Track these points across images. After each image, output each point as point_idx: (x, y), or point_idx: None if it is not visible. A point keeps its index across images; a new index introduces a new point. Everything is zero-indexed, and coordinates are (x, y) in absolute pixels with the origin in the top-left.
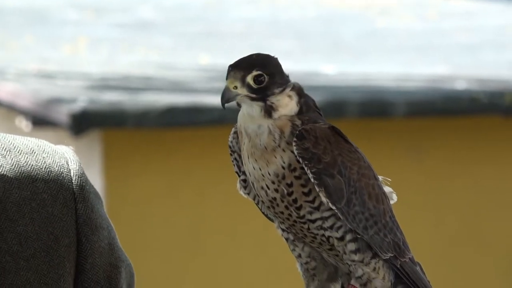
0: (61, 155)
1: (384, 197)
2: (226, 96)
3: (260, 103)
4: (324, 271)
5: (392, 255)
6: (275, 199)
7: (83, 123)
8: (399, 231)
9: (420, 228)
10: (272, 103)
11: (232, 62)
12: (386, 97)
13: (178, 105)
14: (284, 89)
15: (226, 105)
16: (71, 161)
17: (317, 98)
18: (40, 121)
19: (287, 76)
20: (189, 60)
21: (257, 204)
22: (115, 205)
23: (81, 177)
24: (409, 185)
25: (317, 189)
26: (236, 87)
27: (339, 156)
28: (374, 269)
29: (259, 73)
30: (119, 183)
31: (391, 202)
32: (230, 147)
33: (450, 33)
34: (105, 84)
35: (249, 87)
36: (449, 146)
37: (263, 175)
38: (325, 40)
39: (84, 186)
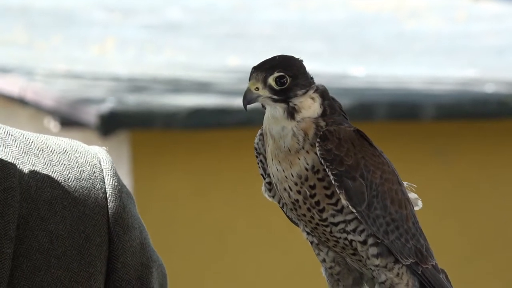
0: (93, 155)
1: (408, 203)
2: (247, 98)
3: (283, 105)
4: (349, 276)
5: (413, 261)
6: (297, 201)
7: (111, 124)
8: (423, 237)
9: (444, 233)
10: (295, 105)
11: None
12: (414, 100)
13: (206, 106)
14: (307, 91)
15: (248, 106)
16: (103, 161)
17: (346, 100)
18: (68, 121)
19: (311, 78)
20: (216, 62)
21: (282, 207)
22: (142, 205)
23: (113, 177)
24: (436, 189)
25: (338, 191)
26: (257, 89)
27: (362, 159)
28: (398, 274)
29: (281, 75)
30: (147, 183)
31: (416, 208)
32: (255, 149)
33: (479, 36)
34: (133, 85)
35: (271, 88)
36: (477, 149)
37: (286, 177)
38: (353, 42)
39: (116, 185)
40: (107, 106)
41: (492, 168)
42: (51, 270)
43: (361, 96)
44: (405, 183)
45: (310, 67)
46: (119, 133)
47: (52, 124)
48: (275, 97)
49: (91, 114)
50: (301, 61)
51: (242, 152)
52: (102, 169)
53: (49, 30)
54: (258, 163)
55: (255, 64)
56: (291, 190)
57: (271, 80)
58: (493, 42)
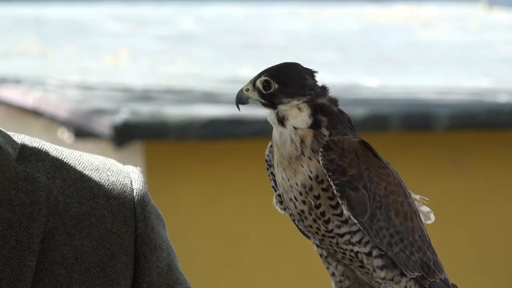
0: (125, 175)
1: (414, 215)
2: (238, 97)
3: (272, 110)
4: None
5: (419, 274)
6: (303, 211)
7: (125, 134)
8: (430, 250)
9: (457, 244)
10: (281, 112)
11: None
12: (428, 110)
13: (219, 117)
14: (290, 101)
15: (240, 106)
16: (135, 181)
17: (359, 111)
18: (82, 132)
19: (311, 90)
20: (230, 72)
21: (293, 220)
22: None
23: (143, 197)
24: (449, 199)
25: (340, 202)
26: (248, 90)
27: (366, 170)
28: (405, 287)
29: (267, 79)
30: (161, 194)
31: (428, 222)
32: (266, 161)
33: (492, 46)
34: (146, 96)
35: (259, 91)
36: (490, 159)
37: (291, 186)
38: (367, 52)
39: (146, 206)
40: (121, 117)
41: (505, 178)
42: (73, 286)
43: (374, 107)
44: (417, 196)
45: (323, 77)
46: (132, 144)
47: (66, 135)
48: (263, 100)
49: (104, 125)
50: (304, 71)
51: (256, 163)
52: (133, 189)
53: (63, 40)
54: (269, 175)
55: None
56: (296, 200)
57: (258, 83)
58: (506, 51)
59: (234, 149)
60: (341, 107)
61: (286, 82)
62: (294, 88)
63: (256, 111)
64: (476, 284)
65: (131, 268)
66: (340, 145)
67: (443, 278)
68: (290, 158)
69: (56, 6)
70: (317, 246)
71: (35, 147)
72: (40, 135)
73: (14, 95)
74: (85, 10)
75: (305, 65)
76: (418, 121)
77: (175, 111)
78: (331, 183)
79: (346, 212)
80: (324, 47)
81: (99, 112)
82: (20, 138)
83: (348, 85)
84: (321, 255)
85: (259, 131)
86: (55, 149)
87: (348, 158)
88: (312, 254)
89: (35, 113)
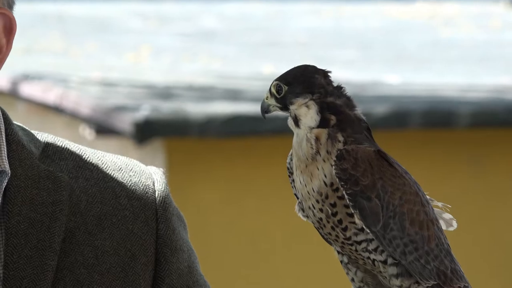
0: (148, 175)
1: (432, 224)
2: (261, 107)
3: (287, 113)
4: None
5: (435, 283)
6: (321, 219)
7: (146, 131)
8: (449, 259)
9: (477, 242)
10: (293, 112)
11: None
12: (449, 108)
13: (241, 114)
14: (298, 99)
15: (266, 115)
16: (157, 182)
17: (380, 108)
18: (103, 129)
19: (320, 88)
20: (251, 70)
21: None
22: None
23: (165, 199)
24: (469, 195)
25: (352, 211)
26: (267, 98)
27: (380, 180)
28: None
29: (277, 83)
30: (182, 191)
31: (450, 229)
32: (288, 169)
33: None
34: (168, 93)
35: (275, 97)
36: (510, 156)
37: (308, 193)
38: (388, 50)
39: (167, 207)
40: (142, 114)
41: None
42: (93, 285)
43: (395, 104)
44: (439, 204)
45: (345, 74)
46: (154, 141)
47: (87, 132)
48: (279, 105)
49: (126, 122)
50: (314, 71)
51: (277, 160)
52: (155, 190)
53: (85, 37)
54: (291, 183)
55: None
56: (314, 208)
57: (272, 89)
58: None
59: (255, 146)
60: (362, 103)
61: (294, 82)
62: (302, 87)
63: None
64: (496, 284)
65: (151, 269)
66: (353, 154)
67: (462, 287)
68: (307, 159)
69: (78, 3)
70: (338, 252)
71: (58, 146)
72: (61, 131)
73: (36, 91)
74: (107, 7)
75: (326, 62)
76: (439, 119)
77: (196, 108)
78: (344, 192)
79: (358, 222)
80: (346, 45)
81: (121, 109)
82: (43, 137)
83: (370, 82)
84: (341, 261)
85: (280, 128)
86: (78, 149)
87: (362, 168)
88: (333, 253)
89: (56, 110)
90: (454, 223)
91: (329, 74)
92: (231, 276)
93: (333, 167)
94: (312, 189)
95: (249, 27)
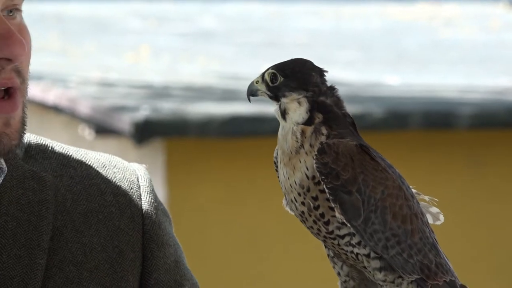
0: (132, 172)
1: (415, 218)
2: (249, 89)
3: (276, 103)
4: None
5: (418, 277)
6: (303, 213)
7: (146, 131)
8: (433, 252)
9: (477, 243)
10: (283, 105)
11: None
12: (449, 109)
13: (240, 114)
14: (292, 94)
15: (251, 98)
16: (141, 178)
17: (380, 109)
18: (103, 129)
19: (314, 86)
20: (251, 70)
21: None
22: (177, 212)
23: (150, 194)
24: (469, 197)
25: (333, 205)
26: (257, 82)
27: (361, 174)
28: None
29: (273, 72)
30: (182, 190)
31: (437, 223)
32: (274, 163)
33: None
34: (167, 93)
35: (266, 84)
36: (510, 158)
37: (291, 185)
38: (388, 51)
39: (152, 203)
40: (142, 114)
41: None
42: (82, 283)
43: (395, 105)
44: (426, 197)
45: (345, 75)
46: (153, 141)
47: (87, 131)
48: (269, 93)
49: (125, 122)
50: (312, 68)
51: None
52: (139, 186)
53: (84, 37)
54: (278, 177)
55: None
56: (296, 201)
57: (266, 76)
58: None
59: (254, 147)
60: (362, 104)
61: (291, 76)
62: (298, 82)
63: None
64: (496, 284)
65: (139, 265)
66: (334, 148)
67: (448, 280)
68: (291, 152)
69: (77, 3)
70: (325, 246)
71: (41, 146)
72: (60, 131)
73: (35, 91)
74: (106, 7)
75: (326, 63)
76: (439, 120)
77: (195, 109)
78: (324, 186)
79: (338, 216)
80: (346, 46)
81: (120, 109)
82: (25, 137)
83: (370, 83)
84: (328, 255)
85: (279, 129)
86: (61, 147)
87: (342, 162)
88: None
89: (56, 110)
90: (441, 217)
91: (325, 73)
92: (230, 275)
93: (314, 161)
94: (295, 181)
95: (248, 27)
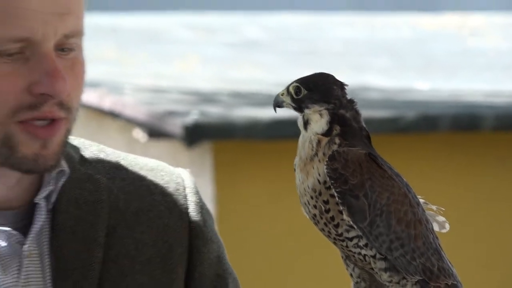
0: (177, 175)
1: (419, 223)
2: (274, 100)
3: (300, 114)
4: None
5: (420, 278)
6: (315, 215)
7: (195, 134)
8: (436, 257)
9: (504, 242)
10: (306, 115)
11: None
12: (475, 112)
13: (282, 118)
14: (315, 106)
15: (277, 109)
16: (187, 181)
17: (411, 113)
18: (155, 132)
19: (336, 99)
20: (291, 77)
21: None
22: (223, 209)
23: (195, 195)
24: (495, 196)
25: (341, 208)
26: (283, 94)
27: (369, 180)
28: None
29: (297, 85)
30: (228, 189)
31: (443, 231)
32: (294, 168)
33: None
34: (215, 99)
35: (291, 96)
36: None
37: (304, 189)
38: (418, 58)
39: (198, 203)
40: (191, 118)
41: None
42: (135, 275)
43: (425, 109)
44: (433, 207)
45: (378, 81)
46: (202, 143)
47: (141, 135)
48: (293, 104)
49: (176, 126)
50: (334, 82)
51: None
52: (185, 188)
53: (137, 47)
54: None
55: None
56: (309, 204)
57: (291, 89)
58: None
59: (295, 148)
60: (394, 108)
61: (314, 89)
62: (320, 95)
63: None
64: None
65: (185, 259)
66: (344, 155)
67: (449, 284)
68: (306, 159)
69: (131, 15)
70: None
71: (94, 151)
72: (116, 135)
73: (92, 98)
74: (158, 19)
75: (360, 70)
76: (466, 122)
77: (241, 113)
78: (333, 190)
79: (346, 218)
80: (379, 54)
81: (171, 113)
82: (80, 142)
83: (401, 89)
84: (341, 256)
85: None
86: (112, 152)
87: (351, 168)
88: None
89: (112, 115)
90: (447, 226)
91: (345, 86)
92: (273, 267)
93: (325, 167)
94: (308, 186)
95: (289, 37)
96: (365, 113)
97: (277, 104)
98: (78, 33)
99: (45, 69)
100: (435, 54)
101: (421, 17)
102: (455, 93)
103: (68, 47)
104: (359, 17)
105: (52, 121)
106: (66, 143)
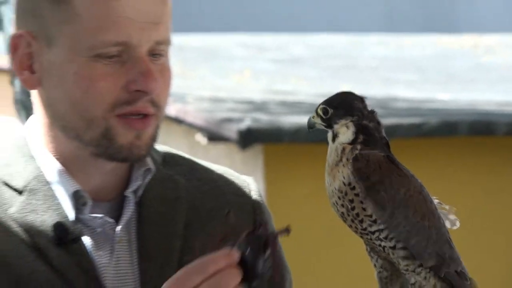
0: (243, 179)
1: (432, 216)
2: (308, 123)
3: (329, 130)
4: (397, 281)
5: (434, 264)
6: (343, 213)
7: (248, 138)
8: (447, 246)
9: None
10: (335, 130)
11: (365, 91)
12: (490, 119)
13: None
14: (341, 120)
15: (311, 130)
16: (252, 185)
17: (434, 119)
18: (214, 136)
19: (358, 111)
20: (332, 89)
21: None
22: (273, 205)
23: (260, 197)
24: (508, 195)
25: (364, 202)
26: (314, 117)
27: (387, 178)
28: (425, 278)
29: (324, 107)
30: (277, 187)
31: (454, 227)
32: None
33: None
34: (265, 107)
35: (320, 117)
36: None
37: (332, 191)
38: (440, 73)
39: (261, 203)
40: (245, 124)
41: None
42: None
43: (446, 116)
44: (446, 206)
45: (406, 93)
46: (254, 146)
47: (201, 139)
48: (323, 124)
49: (232, 131)
50: (354, 97)
51: None
52: (250, 190)
53: (198, 63)
54: None
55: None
56: (337, 204)
57: (319, 111)
58: None
59: None
60: (419, 116)
61: (338, 106)
62: (344, 110)
63: None
64: None
65: None
66: (366, 157)
67: (458, 271)
68: (333, 164)
69: (194, 35)
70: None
71: (174, 155)
72: (181, 139)
73: None
74: (217, 38)
75: (391, 83)
76: (482, 128)
77: (288, 120)
78: (357, 186)
79: (369, 210)
80: (406, 69)
81: (228, 120)
82: (162, 148)
83: (425, 99)
84: (366, 249)
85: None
86: (188, 157)
87: (372, 168)
88: None
89: (177, 121)
90: (457, 223)
91: (365, 99)
92: (318, 260)
93: (349, 166)
94: (335, 188)
95: (330, 54)
96: (394, 120)
97: (310, 126)
98: (167, 41)
99: (139, 70)
100: (455, 69)
101: (442, 38)
102: (472, 103)
103: (158, 53)
104: (390, 37)
105: (145, 116)
106: (156, 138)
